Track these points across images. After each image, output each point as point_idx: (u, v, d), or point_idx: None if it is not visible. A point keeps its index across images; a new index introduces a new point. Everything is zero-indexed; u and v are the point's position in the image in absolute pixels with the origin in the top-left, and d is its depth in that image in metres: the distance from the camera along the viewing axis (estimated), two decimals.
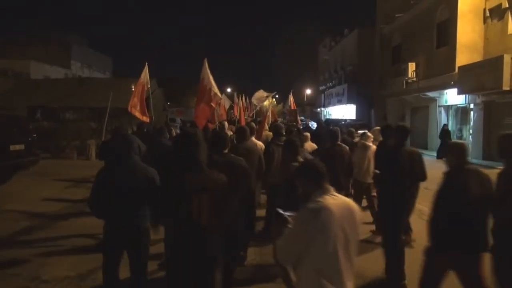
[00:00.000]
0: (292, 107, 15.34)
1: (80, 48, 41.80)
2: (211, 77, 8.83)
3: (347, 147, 6.00)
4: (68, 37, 40.80)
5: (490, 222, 3.33)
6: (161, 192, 2.94)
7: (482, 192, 3.25)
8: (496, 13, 16.02)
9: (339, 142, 5.73)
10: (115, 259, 3.44)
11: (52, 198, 8.37)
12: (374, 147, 6.61)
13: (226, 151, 3.72)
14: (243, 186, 3.50)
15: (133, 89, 18.72)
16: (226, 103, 18.37)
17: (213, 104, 8.72)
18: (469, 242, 3.20)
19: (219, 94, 9.08)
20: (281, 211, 2.64)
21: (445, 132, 16.75)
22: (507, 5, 15.29)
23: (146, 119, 9.88)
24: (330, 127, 8.72)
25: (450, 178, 3.38)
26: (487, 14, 16.49)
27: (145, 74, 10.09)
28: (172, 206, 2.73)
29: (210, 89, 8.65)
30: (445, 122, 18.05)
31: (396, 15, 23.24)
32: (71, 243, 5.64)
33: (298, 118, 15.22)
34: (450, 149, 3.47)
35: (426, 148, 20.06)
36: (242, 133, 4.86)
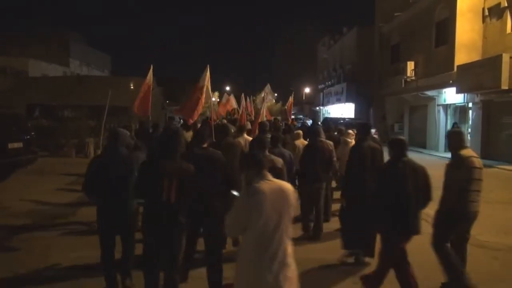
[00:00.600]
0: (289, 107, 16.18)
1: (79, 46, 41.66)
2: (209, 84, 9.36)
3: (330, 143, 6.43)
4: (67, 35, 40.68)
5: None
6: (138, 175, 3.46)
7: (415, 180, 3.76)
8: (495, 12, 16.04)
9: (321, 138, 6.11)
10: (110, 243, 3.86)
11: (51, 196, 8.37)
12: (354, 142, 7.14)
13: (205, 145, 4.21)
14: (219, 173, 4.04)
15: (131, 87, 19.01)
16: (229, 103, 18.53)
17: (198, 111, 9.18)
18: (404, 226, 3.75)
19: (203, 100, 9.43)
20: (235, 193, 3.19)
21: None
22: (506, 4, 15.30)
23: (145, 117, 10.43)
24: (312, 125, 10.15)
25: (391, 168, 3.93)
26: (486, 13, 16.50)
27: (150, 76, 10.55)
28: (147, 187, 3.32)
29: (203, 93, 8.99)
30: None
31: (395, 14, 23.23)
32: (71, 240, 5.65)
33: (290, 117, 16.15)
34: (391, 144, 3.98)
35: (424, 147, 20.11)
36: (223, 131, 5.54)
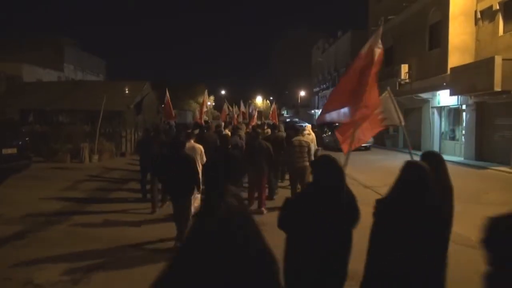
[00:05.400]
0: (273, 113, 20.73)
1: (73, 51, 41.46)
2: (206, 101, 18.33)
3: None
4: (61, 40, 40.48)
5: None
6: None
7: (261, 151, 7.62)
8: (487, 15, 16.20)
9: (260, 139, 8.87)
10: None
11: (45, 202, 8.31)
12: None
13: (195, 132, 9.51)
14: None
15: (126, 92, 19.22)
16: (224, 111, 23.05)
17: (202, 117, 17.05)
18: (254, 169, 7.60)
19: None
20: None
21: None
22: (497, 7, 15.47)
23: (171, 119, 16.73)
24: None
25: (250, 144, 8.05)
26: (478, 16, 16.67)
27: (168, 96, 16.41)
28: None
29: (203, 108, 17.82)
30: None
31: (388, 17, 23.38)
32: (64, 246, 5.60)
33: (276, 120, 19.98)
34: (252, 133, 8.68)
35: (419, 149, 20.18)
36: (205, 127, 10.48)
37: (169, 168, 5.55)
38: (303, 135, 8.34)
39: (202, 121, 16.18)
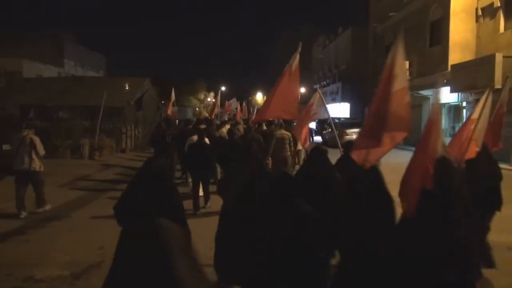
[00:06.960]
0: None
1: (73, 47, 41.36)
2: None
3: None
4: (61, 36, 40.36)
5: None
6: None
7: (265, 140, 8.61)
8: (488, 12, 16.15)
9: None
10: None
11: (45, 198, 8.31)
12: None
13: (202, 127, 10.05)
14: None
15: (127, 88, 19.20)
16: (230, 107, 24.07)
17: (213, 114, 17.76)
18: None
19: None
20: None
21: None
22: (499, 4, 15.42)
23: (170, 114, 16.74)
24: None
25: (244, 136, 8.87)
26: (479, 13, 16.61)
27: (172, 95, 17.35)
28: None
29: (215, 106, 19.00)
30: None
31: (390, 14, 23.31)
32: (64, 242, 5.62)
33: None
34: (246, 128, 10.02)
35: None
36: (211, 124, 11.02)
37: (195, 153, 7.37)
38: (285, 129, 9.28)
39: (213, 118, 16.90)
